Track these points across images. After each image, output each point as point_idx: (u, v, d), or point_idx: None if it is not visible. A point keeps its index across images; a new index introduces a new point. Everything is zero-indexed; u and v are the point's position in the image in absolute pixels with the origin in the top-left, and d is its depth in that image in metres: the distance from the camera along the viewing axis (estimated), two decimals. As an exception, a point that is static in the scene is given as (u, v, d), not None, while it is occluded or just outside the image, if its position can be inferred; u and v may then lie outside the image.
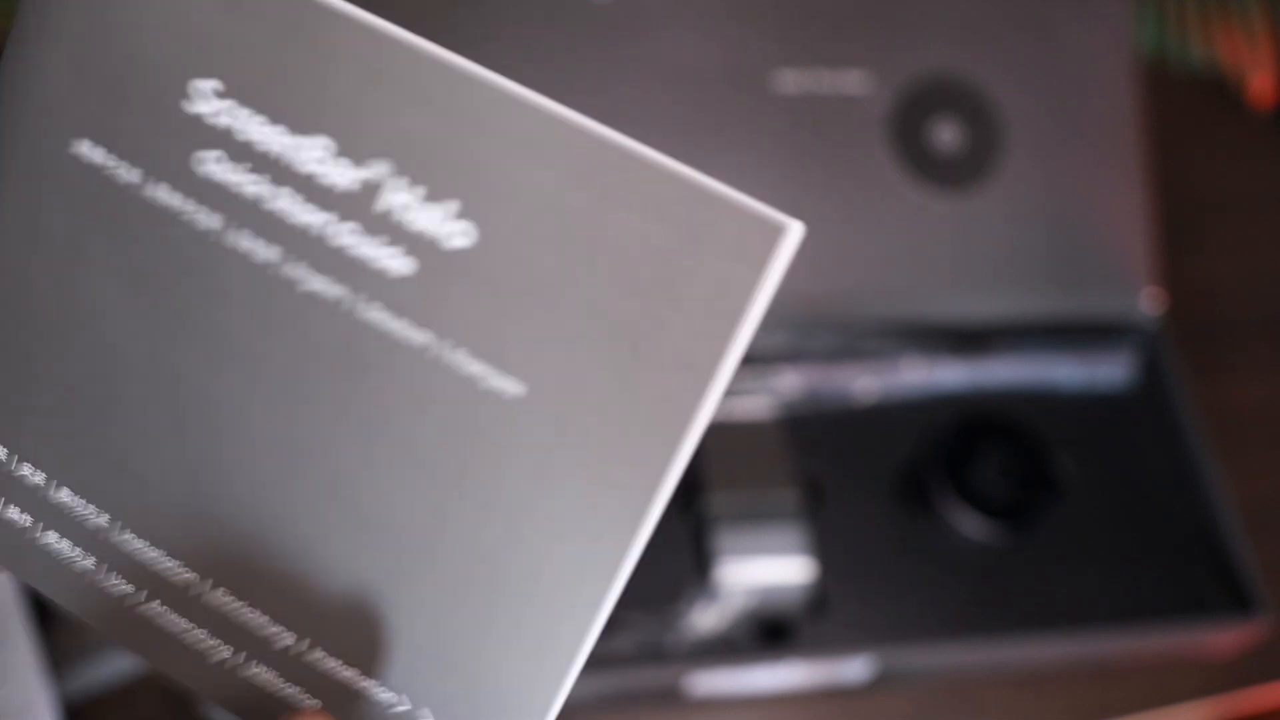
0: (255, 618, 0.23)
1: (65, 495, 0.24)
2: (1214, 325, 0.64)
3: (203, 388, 0.23)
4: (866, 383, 0.57)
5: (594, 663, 0.48)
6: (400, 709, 0.23)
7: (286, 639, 0.23)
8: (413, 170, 0.20)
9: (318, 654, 0.23)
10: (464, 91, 0.20)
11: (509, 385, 0.21)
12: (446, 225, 0.20)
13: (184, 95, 0.21)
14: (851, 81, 0.56)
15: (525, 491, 0.21)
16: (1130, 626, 0.51)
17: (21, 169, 0.23)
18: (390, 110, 0.20)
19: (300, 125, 0.21)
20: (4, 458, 0.25)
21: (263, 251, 0.22)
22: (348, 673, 0.23)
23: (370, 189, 0.21)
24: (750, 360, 0.55)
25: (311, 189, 0.21)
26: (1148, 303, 0.56)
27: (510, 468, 0.21)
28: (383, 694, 0.23)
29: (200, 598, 0.24)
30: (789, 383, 0.56)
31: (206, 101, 0.21)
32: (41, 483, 0.25)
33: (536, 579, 0.22)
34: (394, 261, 0.21)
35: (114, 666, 0.48)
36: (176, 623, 0.24)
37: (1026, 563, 0.53)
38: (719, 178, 0.21)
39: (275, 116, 0.21)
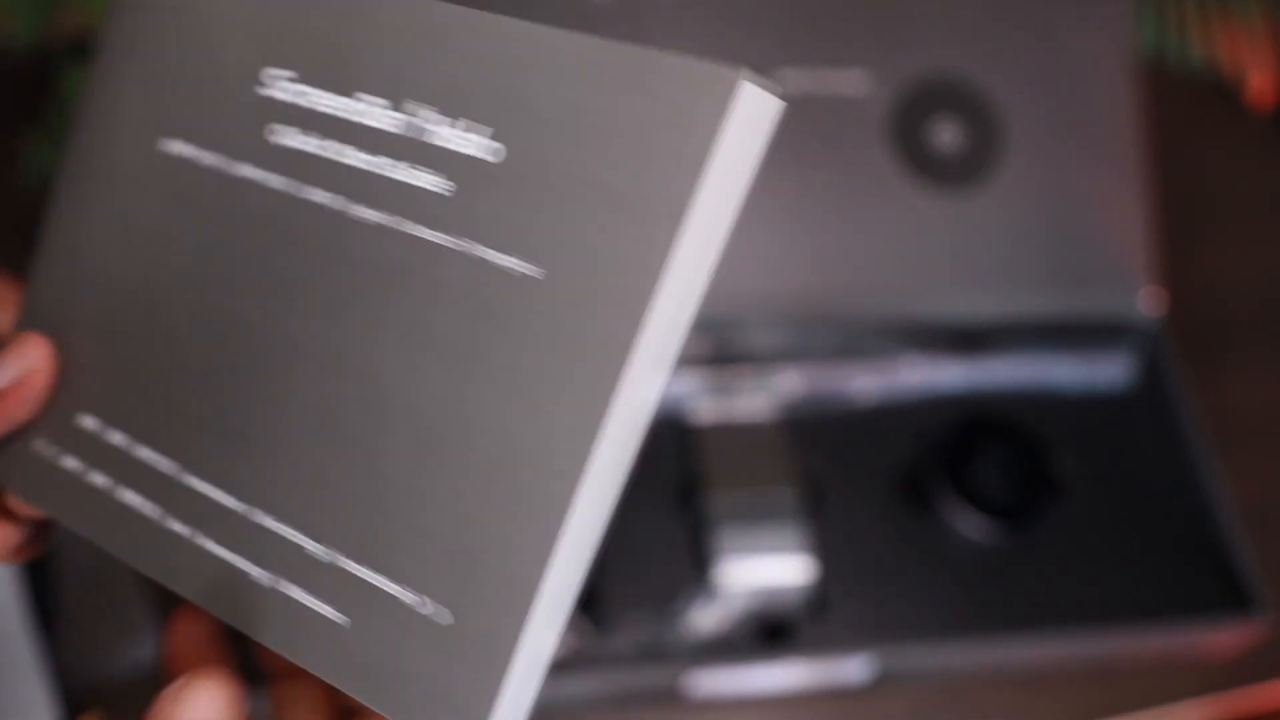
0: (290, 534, 0.24)
1: (145, 453, 0.26)
2: (1214, 325, 0.64)
3: (273, 327, 0.25)
4: (866, 383, 0.57)
5: (593, 662, 0.48)
6: (424, 611, 0.23)
7: (319, 552, 0.24)
8: (452, 109, 0.24)
9: (348, 563, 0.24)
10: (481, 32, 0.23)
11: (530, 271, 0.23)
12: (479, 147, 0.23)
13: (257, 83, 0.25)
14: (851, 81, 0.56)
15: (542, 368, 0.23)
16: (1130, 626, 0.51)
17: (110, 170, 0.27)
18: (428, 61, 0.24)
19: (357, 89, 0.25)
20: (96, 428, 0.27)
21: (329, 200, 0.25)
22: (376, 579, 0.24)
23: (417, 129, 0.24)
24: (750, 360, 0.55)
25: (369, 140, 0.24)
26: (1147, 303, 0.56)
27: (529, 346, 0.23)
28: (407, 596, 0.23)
29: (243, 525, 0.25)
30: (789, 383, 0.56)
31: (276, 85, 0.25)
32: (123, 444, 0.26)
33: (546, 451, 0.22)
34: (436, 185, 0.24)
35: (114, 666, 0.48)
36: (220, 553, 0.25)
37: (1026, 563, 0.53)
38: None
39: (335, 86, 0.25)
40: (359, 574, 0.24)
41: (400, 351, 0.24)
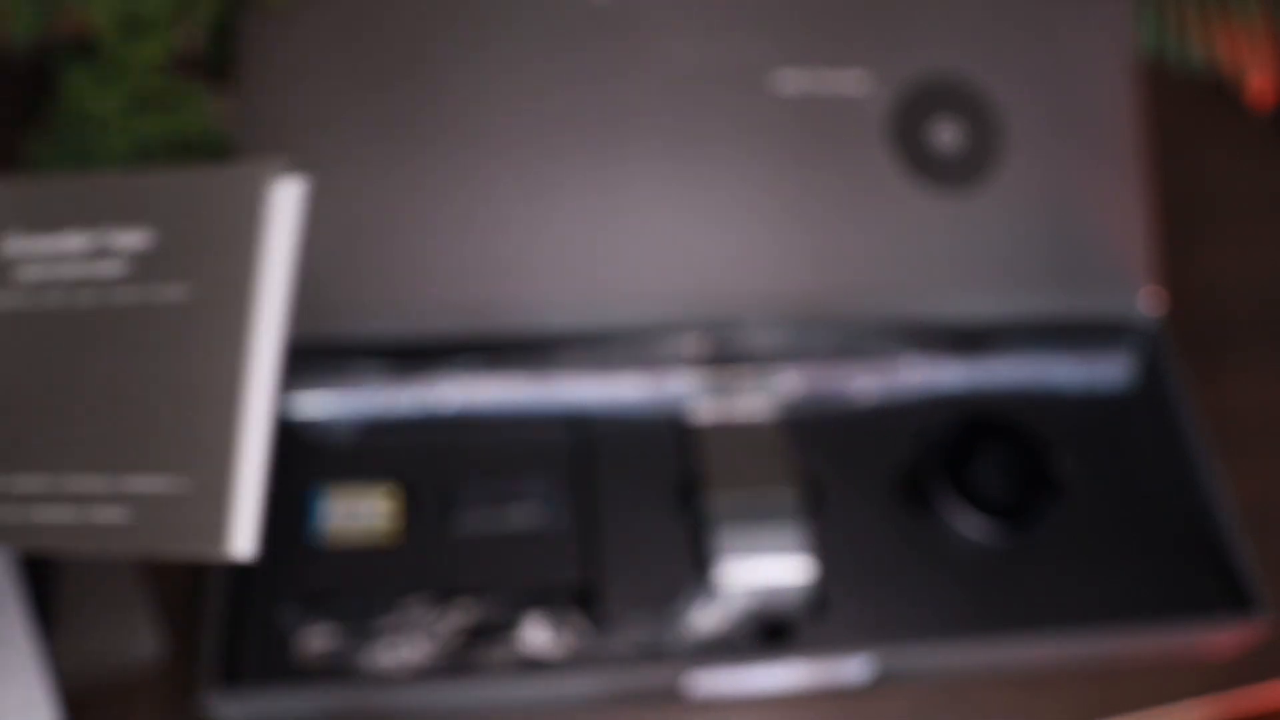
0: (90, 479, 0.36)
1: None
2: (1214, 325, 0.64)
3: (50, 377, 0.38)
4: (866, 383, 0.57)
5: (593, 662, 0.48)
6: (175, 488, 0.36)
7: (109, 481, 0.36)
8: (121, 221, 0.38)
9: (127, 479, 0.36)
10: (130, 179, 0.39)
11: (188, 296, 0.37)
12: (142, 239, 0.38)
13: (3, 240, 0.39)
14: (851, 81, 0.56)
15: (201, 351, 0.36)
16: (1130, 626, 0.51)
17: None
18: (100, 202, 0.39)
19: (63, 228, 0.39)
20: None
21: (60, 300, 0.38)
22: (144, 480, 0.36)
23: (103, 239, 0.38)
24: (750, 360, 0.55)
25: (76, 255, 0.38)
26: (1147, 303, 0.56)
27: (199, 338, 0.37)
28: (164, 483, 0.36)
29: (56, 490, 0.36)
30: (789, 383, 0.56)
31: (13, 241, 0.39)
32: None
33: (218, 380, 0.36)
34: (120, 267, 0.38)
35: (114, 666, 0.48)
36: (45, 518, 0.36)
37: (1026, 563, 0.53)
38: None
39: (47, 230, 0.39)
40: (135, 483, 0.36)
41: (134, 362, 0.37)
